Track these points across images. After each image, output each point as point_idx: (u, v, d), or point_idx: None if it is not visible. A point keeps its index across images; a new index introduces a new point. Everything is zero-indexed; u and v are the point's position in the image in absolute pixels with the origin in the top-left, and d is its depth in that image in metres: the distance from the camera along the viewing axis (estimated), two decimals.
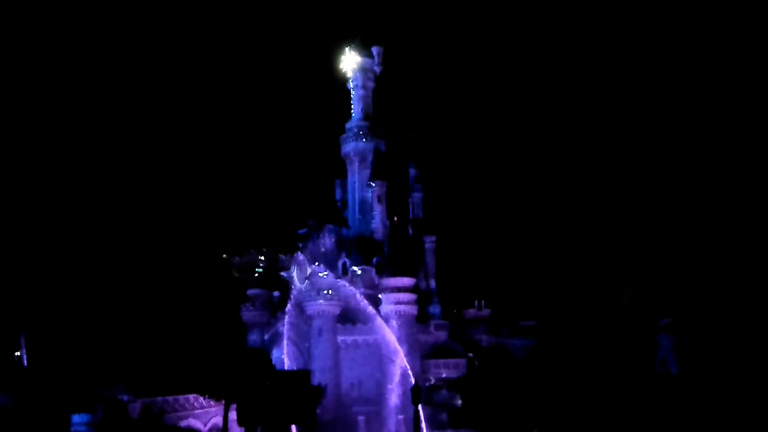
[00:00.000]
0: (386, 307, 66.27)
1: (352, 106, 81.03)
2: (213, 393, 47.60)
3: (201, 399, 50.54)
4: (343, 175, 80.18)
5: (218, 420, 51.91)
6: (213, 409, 52.86)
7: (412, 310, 66.59)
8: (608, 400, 46.14)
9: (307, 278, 70.71)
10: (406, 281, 67.06)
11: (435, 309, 72.01)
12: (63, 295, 72.27)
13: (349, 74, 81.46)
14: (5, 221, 76.93)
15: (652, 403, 46.40)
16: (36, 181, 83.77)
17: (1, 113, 79.02)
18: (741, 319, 63.26)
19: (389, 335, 63.68)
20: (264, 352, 53.50)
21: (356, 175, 78.27)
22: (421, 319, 68.73)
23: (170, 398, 50.57)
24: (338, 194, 79.93)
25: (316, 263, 70.00)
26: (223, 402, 47.92)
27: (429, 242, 76.43)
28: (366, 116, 79.91)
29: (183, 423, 50.70)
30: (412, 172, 79.95)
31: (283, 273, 74.59)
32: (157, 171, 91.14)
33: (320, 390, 51.00)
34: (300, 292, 71.63)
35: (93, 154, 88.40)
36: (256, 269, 72.55)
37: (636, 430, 44.97)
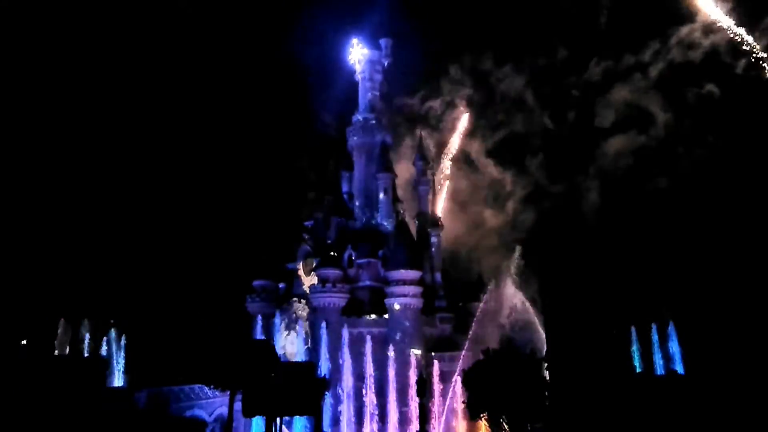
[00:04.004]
0: (391, 300, 66.28)
1: (359, 98, 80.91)
2: (218, 383, 47.66)
3: (206, 389, 50.65)
4: (349, 167, 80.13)
5: (223, 410, 52.14)
6: (218, 399, 53.06)
7: (418, 303, 66.56)
8: (611, 396, 46.10)
9: (312, 270, 70.86)
10: (412, 274, 66.98)
11: (440, 302, 71.91)
12: (70, 287, 72.53)
13: (357, 66, 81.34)
14: (18, 219, 77.46)
15: (655, 401, 46.38)
16: (37, 182, 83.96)
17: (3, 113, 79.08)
18: (741, 318, 63.20)
19: None
20: (269, 343, 53.42)
21: (362, 168, 78.22)
22: (427, 311, 68.64)
23: (175, 388, 50.77)
24: (345, 186, 79.82)
25: (322, 255, 70.06)
26: (228, 392, 48.05)
27: (434, 235, 76.35)
28: (373, 108, 79.77)
29: (188, 413, 50.95)
30: (418, 165, 79.78)
31: (288, 264, 74.74)
32: (163, 163, 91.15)
33: (326, 382, 51.07)
34: (306, 283, 71.86)
35: (93, 152, 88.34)
36: None
37: (638, 426, 44.96)
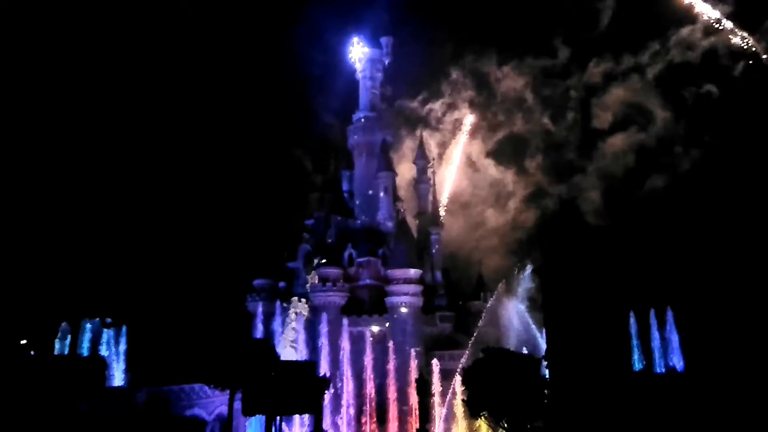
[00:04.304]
0: (392, 299, 66.27)
1: (360, 97, 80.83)
2: (218, 382, 47.61)
3: (206, 389, 50.57)
4: (350, 166, 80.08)
5: (223, 409, 52.03)
6: (218, 398, 52.98)
7: (418, 301, 66.60)
8: (611, 395, 46.08)
9: (313, 269, 70.88)
10: (412, 273, 67.02)
11: (440, 301, 71.85)
12: (70, 287, 72.59)
13: (357, 65, 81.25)
14: (18, 219, 77.63)
15: (655, 398, 46.38)
16: (37, 182, 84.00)
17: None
18: (739, 313, 63.22)
19: None
20: (269, 342, 53.44)
21: (363, 167, 78.15)
22: (427, 310, 68.64)
23: (175, 388, 50.72)
24: (345, 185, 79.79)
25: (322, 254, 70.06)
26: (228, 392, 48.01)
27: (435, 234, 76.25)
28: (373, 107, 79.69)
29: (188, 412, 50.88)
30: (419, 164, 79.68)
31: (289, 263, 74.76)
32: (163, 162, 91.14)
33: (326, 381, 51.02)
34: (306, 282, 71.90)
35: (93, 152, 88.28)
36: None
37: (638, 424, 44.93)
